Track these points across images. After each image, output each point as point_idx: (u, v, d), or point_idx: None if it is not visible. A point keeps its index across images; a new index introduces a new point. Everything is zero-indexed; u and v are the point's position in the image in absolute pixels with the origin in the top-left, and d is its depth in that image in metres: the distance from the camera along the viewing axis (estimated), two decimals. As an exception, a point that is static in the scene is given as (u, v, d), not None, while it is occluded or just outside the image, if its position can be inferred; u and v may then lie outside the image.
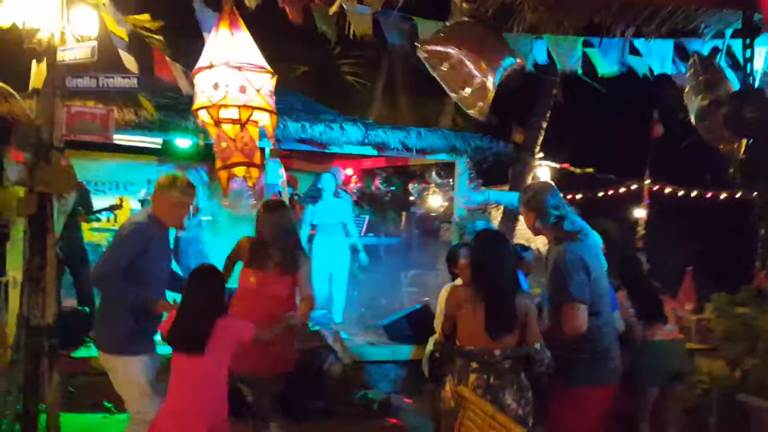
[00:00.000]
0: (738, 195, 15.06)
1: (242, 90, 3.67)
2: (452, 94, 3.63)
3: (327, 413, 5.92)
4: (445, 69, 3.49)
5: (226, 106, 3.75)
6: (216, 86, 3.72)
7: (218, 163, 3.96)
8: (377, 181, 10.16)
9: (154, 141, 8.29)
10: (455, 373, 3.53)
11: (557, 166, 13.12)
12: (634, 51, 4.03)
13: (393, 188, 9.59)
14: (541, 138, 12.63)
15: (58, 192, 4.24)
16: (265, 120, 3.91)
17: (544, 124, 12.48)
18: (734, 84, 3.61)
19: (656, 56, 3.67)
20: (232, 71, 3.71)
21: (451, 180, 8.67)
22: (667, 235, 17.27)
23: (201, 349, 3.35)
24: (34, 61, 4.28)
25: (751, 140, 3.70)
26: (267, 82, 3.83)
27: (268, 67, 3.88)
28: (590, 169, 13.59)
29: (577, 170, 13.32)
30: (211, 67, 3.75)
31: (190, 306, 3.41)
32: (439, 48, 3.47)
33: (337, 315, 7.44)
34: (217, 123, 3.83)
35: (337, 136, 7.09)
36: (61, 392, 5.45)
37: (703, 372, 5.21)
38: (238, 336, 3.47)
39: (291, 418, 5.58)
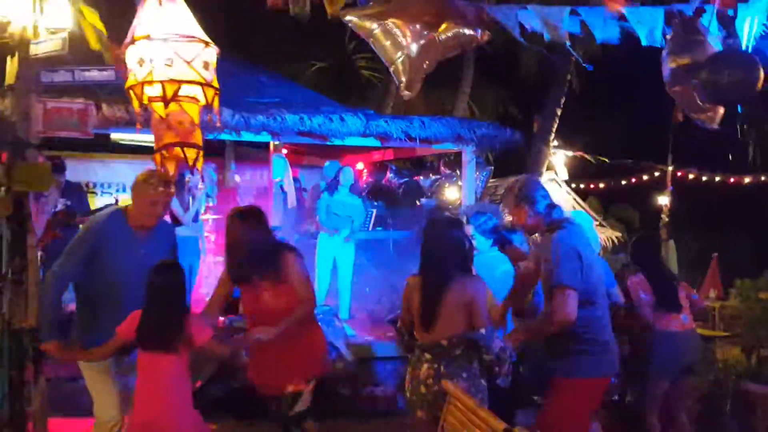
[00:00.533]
0: (763, 178, 14.71)
1: (169, 63, 3.37)
2: (390, 67, 3.41)
3: (332, 412, 5.77)
4: (375, 37, 3.27)
5: (150, 82, 3.43)
6: (141, 62, 3.42)
7: (155, 147, 3.64)
8: (388, 175, 9.96)
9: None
10: (412, 363, 3.55)
11: (572, 153, 12.88)
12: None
13: (404, 180, 9.37)
14: (555, 125, 12.38)
15: (36, 190, 4.12)
16: (202, 96, 3.56)
17: (559, 111, 12.22)
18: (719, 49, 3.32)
19: (645, 25, 3.39)
20: (156, 44, 3.40)
21: (458, 170, 8.43)
22: (691, 222, 16.92)
23: (176, 348, 3.25)
24: (9, 57, 4.17)
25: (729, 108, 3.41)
26: (200, 52, 3.48)
27: (203, 37, 3.54)
28: (604, 159, 13.31)
29: (591, 159, 13.06)
30: (133, 42, 3.46)
31: (161, 303, 3.27)
32: (364, 14, 3.26)
33: (343, 311, 7.29)
34: (142, 103, 3.51)
35: (337, 127, 6.90)
36: (62, 396, 5.39)
37: (719, 360, 4.97)
38: (196, 334, 3.34)
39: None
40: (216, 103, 3.63)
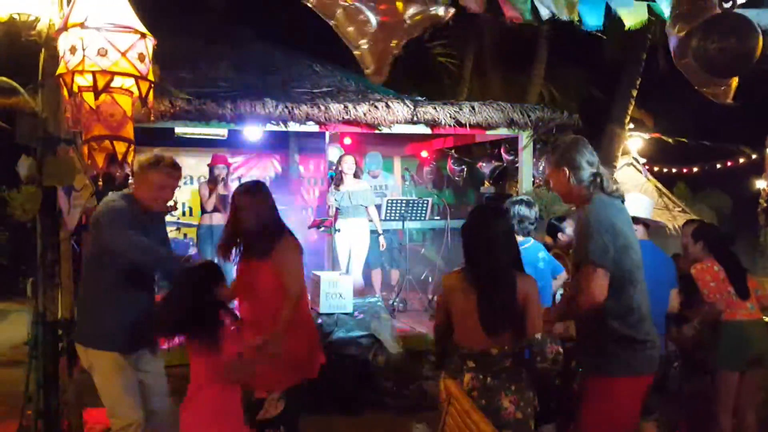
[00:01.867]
0: None
1: (102, 53, 3.23)
2: (354, 51, 3.11)
3: (380, 405, 5.66)
4: (338, 17, 2.99)
5: (82, 72, 3.29)
6: (73, 50, 3.28)
7: (83, 138, 3.51)
8: (450, 162, 9.74)
9: (218, 132, 8.26)
10: (450, 370, 3.14)
11: (648, 136, 12.20)
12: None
13: (461, 168, 9.13)
14: (631, 107, 11.74)
15: (67, 184, 4.16)
16: (135, 88, 3.41)
17: (634, 92, 11.56)
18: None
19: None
20: (90, 32, 3.27)
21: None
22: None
23: None
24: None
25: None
26: (135, 44, 3.34)
27: (140, 28, 3.40)
28: (682, 139, 12.50)
29: (670, 140, 12.32)
30: (66, 28, 3.32)
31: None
32: None
33: None
34: (71, 92, 3.37)
35: (383, 115, 6.74)
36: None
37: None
38: None
39: (341, 410, 5.40)
40: (151, 96, 3.50)
